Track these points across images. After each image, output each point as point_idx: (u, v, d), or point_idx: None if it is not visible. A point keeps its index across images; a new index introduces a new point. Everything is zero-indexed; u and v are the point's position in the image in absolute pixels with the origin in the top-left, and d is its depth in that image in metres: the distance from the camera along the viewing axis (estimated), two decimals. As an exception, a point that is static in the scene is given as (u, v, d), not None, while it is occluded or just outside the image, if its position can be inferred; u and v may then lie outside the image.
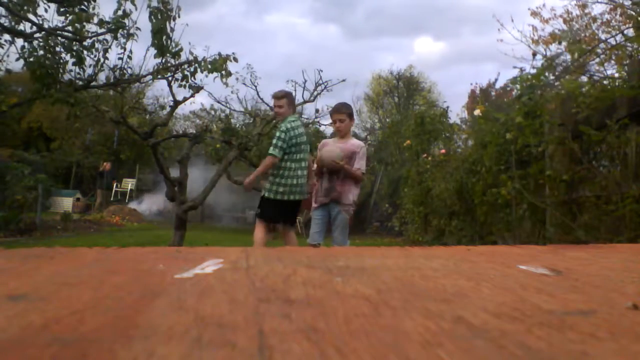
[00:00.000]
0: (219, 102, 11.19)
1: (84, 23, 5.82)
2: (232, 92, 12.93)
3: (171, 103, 7.24)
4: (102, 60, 6.25)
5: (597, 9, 14.55)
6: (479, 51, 41.38)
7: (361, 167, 3.91)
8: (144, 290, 0.61)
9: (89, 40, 6.02)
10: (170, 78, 6.59)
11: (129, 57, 6.34)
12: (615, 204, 2.77)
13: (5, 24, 5.74)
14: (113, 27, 5.95)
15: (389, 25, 46.01)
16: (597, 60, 8.19)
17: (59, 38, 5.93)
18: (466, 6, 40.17)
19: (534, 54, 8.42)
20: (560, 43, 9.26)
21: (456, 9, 41.74)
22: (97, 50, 6.14)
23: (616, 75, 5.21)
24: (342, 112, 3.98)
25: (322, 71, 9.84)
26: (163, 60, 6.30)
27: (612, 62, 8.08)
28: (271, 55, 46.83)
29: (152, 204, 17.17)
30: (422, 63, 44.72)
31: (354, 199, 3.96)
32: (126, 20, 5.97)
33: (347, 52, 44.56)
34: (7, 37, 5.94)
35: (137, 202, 17.77)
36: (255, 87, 10.93)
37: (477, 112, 5.73)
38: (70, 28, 5.91)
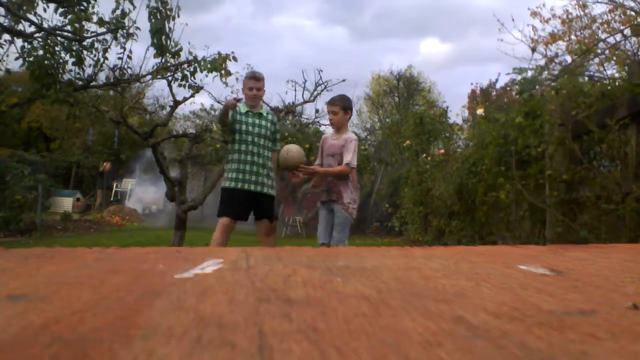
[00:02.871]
0: (219, 102, 11.17)
1: (84, 23, 5.82)
2: (232, 92, 12.88)
3: (171, 103, 7.25)
4: (101, 60, 6.25)
5: (597, 9, 14.55)
6: (485, 52, 41.43)
7: (349, 161, 3.61)
8: (144, 290, 0.61)
9: (88, 40, 6.03)
10: (170, 78, 6.60)
11: (129, 57, 6.35)
12: (615, 204, 2.77)
13: (5, 24, 5.74)
14: (113, 27, 5.95)
15: (396, 27, 46.03)
16: (597, 60, 8.19)
17: (59, 38, 5.94)
18: (474, 8, 40.22)
19: (534, 50, 8.46)
20: (568, 44, 9.28)
21: (463, 11, 41.80)
22: (96, 50, 6.14)
23: (616, 75, 5.22)
24: (335, 104, 3.79)
25: (322, 71, 9.79)
26: (163, 60, 6.30)
27: (612, 62, 8.08)
28: (278, 56, 46.98)
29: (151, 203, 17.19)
30: (428, 64, 44.68)
31: (350, 200, 3.75)
32: (125, 20, 5.98)
33: (354, 53, 44.58)
34: (6, 37, 5.95)
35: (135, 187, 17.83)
36: (255, 87, 10.91)
37: (479, 111, 5.74)
38: (69, 28, 5.91)
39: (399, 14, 45.43)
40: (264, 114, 4.14)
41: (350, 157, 3.65)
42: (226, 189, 4.01)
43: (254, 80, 4.10)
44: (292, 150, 3.89)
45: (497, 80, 22.57)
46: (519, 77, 3.88)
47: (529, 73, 3.86)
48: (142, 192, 17.28)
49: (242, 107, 4.08)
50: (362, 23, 46.91)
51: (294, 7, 52.26)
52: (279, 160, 3.95)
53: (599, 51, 8.64)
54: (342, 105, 3.77)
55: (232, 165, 4.03)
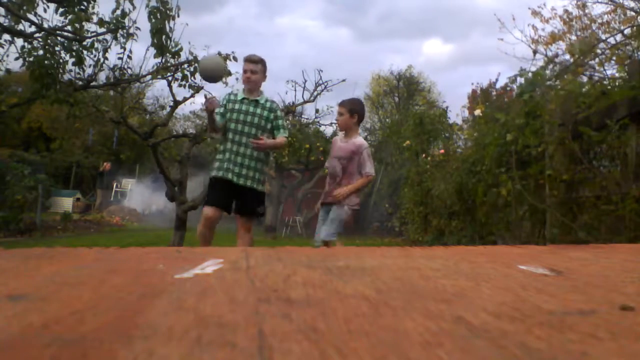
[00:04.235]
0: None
1: (84, 23, 5.83)
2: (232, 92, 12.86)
3: (171, 103, 7.26)
4: (102, 60, 6.26)
5: (597, 10, 14.54)
6: (487, 53, 41.75)
7: (368, 172, 3.76)
8: (144, 290, 0.61)
9: (88, 40, 6.03)
10: (170, 78, 6.61)
11: (129, 57, 6.36)
12: (615, 204, 2.77)
13: (5, 24, 5.75)
14: (113, 27, 5.96)
15: (399, 28, 46.34)
16: (597, 60, 8.19)
17: (59, 38, 5.94)
18: (476, 9, 40.40)
19: (535, 52, 8.45)
20: (568, 44, 9.26)
21: (466, 12, 41.99)
22: (96, 50, 6.15)
23: (617, 75, 5.21)
24: (343, 105, 3.86)
25: (322, 71, 9.80)
26: (163, 60, 6.31)
27: (612, 62, 8.07)
28: (281, 56, 47.24)
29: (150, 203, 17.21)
30: (430, 65, 44.87)
31: (350, 203, 3.80)
32: (125, 20, 5.99)
33: (358, 54, 44.82)
34: (6, 37, 5.95)
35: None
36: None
37: (477, 112, 5.74)
38: (69, 28, 5.92)
39: (402, 15, 45.70)
40: (262, 102, 3.85)
41: (368, 167, 3.78)
42: (210, 178, 3.88)
43: (249, 62, 3.85)
44: (206, 60, 3.79)
45: (497, 80, 22.57)
46: (519, 78, 3.89)
47: (530, 75, 3.87)
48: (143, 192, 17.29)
49: (239, 94, 3.90)
50: (366, 24, 47.14)
51: (298, 8, 52.55)
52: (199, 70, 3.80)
53: (599, 51, 8.64)
54: (348, 108, 3.83)
55: (219, 154, 3.87)
